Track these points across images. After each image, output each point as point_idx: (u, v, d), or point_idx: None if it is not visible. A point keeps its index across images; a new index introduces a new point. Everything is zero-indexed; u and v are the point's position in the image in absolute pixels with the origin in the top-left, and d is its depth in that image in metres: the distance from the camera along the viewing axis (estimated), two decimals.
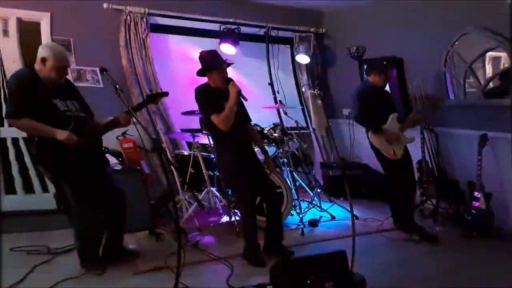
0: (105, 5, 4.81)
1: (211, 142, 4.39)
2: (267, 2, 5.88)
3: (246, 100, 3.41)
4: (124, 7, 4.89)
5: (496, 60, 4.24)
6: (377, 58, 4.33)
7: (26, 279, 3.00)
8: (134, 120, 3.05)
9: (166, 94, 3.49)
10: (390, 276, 3.23)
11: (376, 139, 4.07)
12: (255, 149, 3.83)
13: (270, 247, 3.58)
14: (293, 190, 4.51)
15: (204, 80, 3.52)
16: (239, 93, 3.30)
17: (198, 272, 3.28)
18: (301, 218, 4.40)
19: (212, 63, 3.42)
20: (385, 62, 4.26)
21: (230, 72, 3.56)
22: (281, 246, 3.59)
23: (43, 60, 2.93)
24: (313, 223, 4.40)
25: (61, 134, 2.86)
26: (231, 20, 5.59)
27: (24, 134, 3.44)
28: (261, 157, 3.79)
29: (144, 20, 5.01)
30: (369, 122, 4.12)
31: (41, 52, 2.97)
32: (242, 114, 3.60)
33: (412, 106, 4.89)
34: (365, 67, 4.40)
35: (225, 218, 4.39)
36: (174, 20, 5.37)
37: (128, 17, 4.93)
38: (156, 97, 3.42)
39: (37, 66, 2.97)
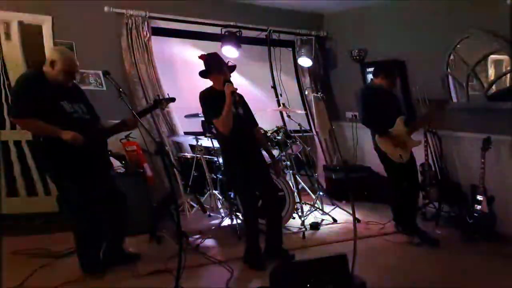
0: (106, 9, 4.82)
1: (214, 145, 4.40)
2: (268, 5, 5.88)
3: (238, 101, 3.38)
4: (125, 11, 4.90)
5: (498, 63, 4.22)
6: (382, 60, 4.30)
7: (26, 281, 3.00)
8: (139, 123, 3.07)
9: (173, 100, 3.50)
10: (391, 279, 3.21)
11: (382, 143, 4.02)
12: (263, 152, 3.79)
13: (271, 250, 3.56)
14: (295, 193, 4.49)
15: (209, 82, 3.53)
16: (233, 93, 3.28)
17: (199, 275, 3.28)
18: (303, 221, 4.38)
19: (212, 65, 3.44)
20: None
21: (233, 74, 3.56)
22: (282, 250, 3.57)
23: (52, 63, 2.96)
24: (315, 226, 4.39)
25: (67, 134, 2.87)
26: (232, 23, 5.60)
27: (27, 137, 3.46)
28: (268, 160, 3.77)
29: (146, 23, 5.03)
30: (375, 125, 4.08)
31: (51, 55, 3.00)
32: (247, 118, 3.59)
33: (415, 108, 4.87)
34: (372, 69, 4.37)
35: (226, 221, 4.39)
36: (176, 23, 5.38)
37: (130, 21, 4.94)
38: (163, 102, 3.44)
39: (46, 68, 2.99)
